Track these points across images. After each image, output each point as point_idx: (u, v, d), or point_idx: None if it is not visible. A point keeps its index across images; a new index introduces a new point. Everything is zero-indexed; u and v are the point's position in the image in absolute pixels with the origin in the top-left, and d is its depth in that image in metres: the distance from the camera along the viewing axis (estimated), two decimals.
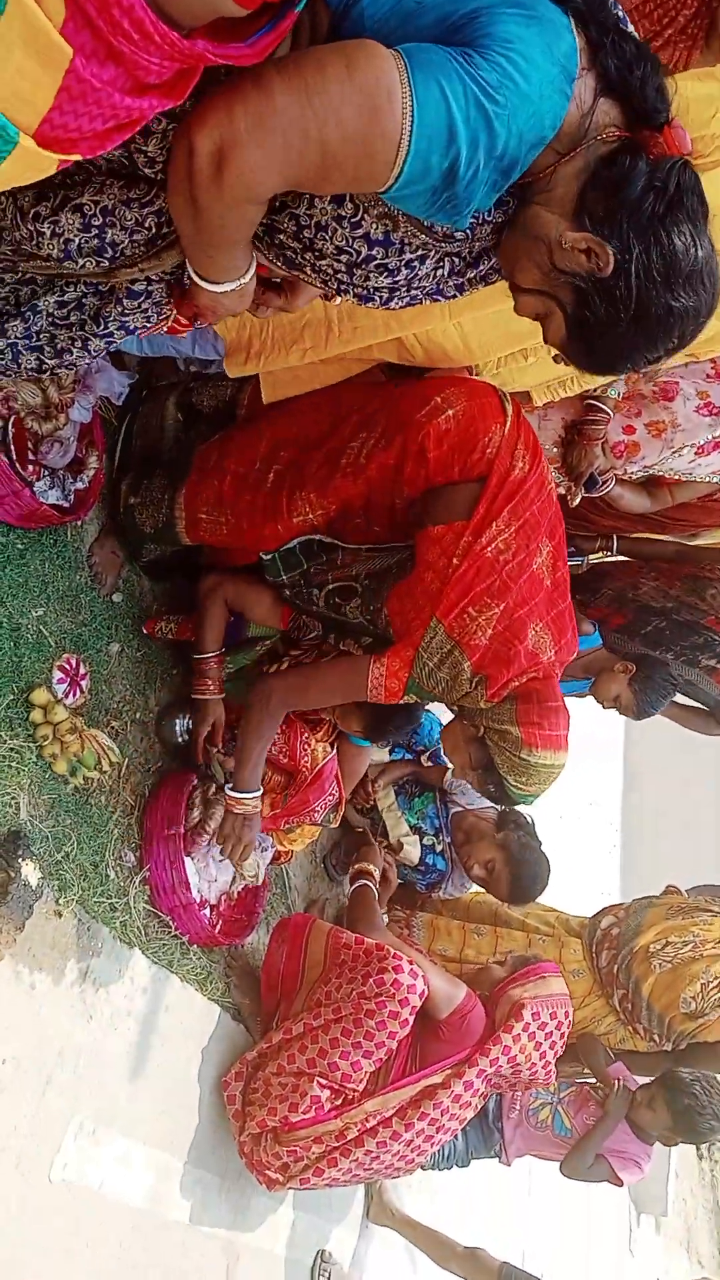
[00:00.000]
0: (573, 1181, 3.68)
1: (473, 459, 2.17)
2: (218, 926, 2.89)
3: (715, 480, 3.02)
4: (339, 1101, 2.80)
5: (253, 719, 2.52)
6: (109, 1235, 2.39)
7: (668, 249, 1.26)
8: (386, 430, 2.25)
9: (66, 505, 2.42)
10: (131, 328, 1.55)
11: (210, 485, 2.44)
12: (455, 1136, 3.14)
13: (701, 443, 2.82)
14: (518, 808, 3.50)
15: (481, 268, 1.48)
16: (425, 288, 1.47)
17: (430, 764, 3.81)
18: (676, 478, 3.02)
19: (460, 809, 3.63)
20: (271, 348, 2.20)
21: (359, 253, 1.36)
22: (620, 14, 1.28)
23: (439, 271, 1.44)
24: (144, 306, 1.50)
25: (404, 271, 1.39)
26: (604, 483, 2.98)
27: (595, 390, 2.70)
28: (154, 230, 1.31)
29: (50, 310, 1.49)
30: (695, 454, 2.86)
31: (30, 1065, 2.17)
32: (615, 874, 7.98)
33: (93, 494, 2.49)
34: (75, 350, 1.57)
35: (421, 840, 3.69)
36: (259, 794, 2.59)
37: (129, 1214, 2.47)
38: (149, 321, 1.55)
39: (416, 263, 1.39)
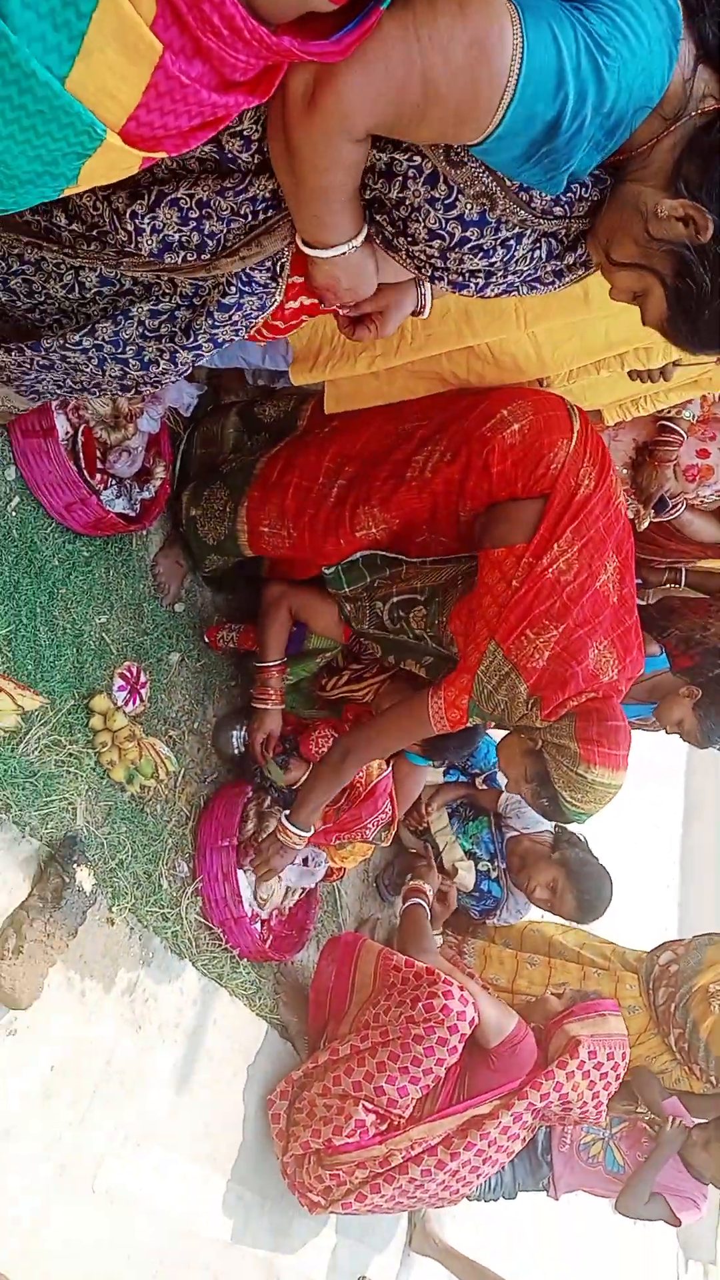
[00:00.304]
0: (627, 1219, 3.57)
1: (536, 474, 2.13)
2: (268, 941, 2.86)
3: None
4: (384, 1126, 2.76)
5: (324, 773, 2.54)
6: (149, 1249, 2.36)
7: None
8: (452, 444, 2.23)
9: (132, 514, 2.45)
10: (219, 341, 1.54)
11: (273, 499, 2.45)
12: (502, 1168, 3.07)
13: None
14: (572, 828, 3.44)
15: (580, 251, 1.45)
16: (522, 272, 1.43)
17: (485, 787, 3.76)
18: None
19: (515, 833, 3.58)
20: (339, 355, 2.18)
21: (453, 235, 1.33)
22: None
23: (536, 254, 1.41)
24: (234, 319, 1.49)
25: (499, 252, 1.36)
26: (674, 506, 2.93)
27: (669, 411, 2.66)
28: (250, 217, 1.30)
29: (143, 319, 1.48)
30: None
31: (77, 1073, 2.16)
32: (674, 908, 7.82)
33: (158, 504, 2.51)
34: (163, 362, 1.56)
35: (476, 866, 3.64)
36: (309, 834, 2.62)
37: (169, 1228, 2.44)
38: (237, 334, 1.54)
39: (513, 241, 1.36)
